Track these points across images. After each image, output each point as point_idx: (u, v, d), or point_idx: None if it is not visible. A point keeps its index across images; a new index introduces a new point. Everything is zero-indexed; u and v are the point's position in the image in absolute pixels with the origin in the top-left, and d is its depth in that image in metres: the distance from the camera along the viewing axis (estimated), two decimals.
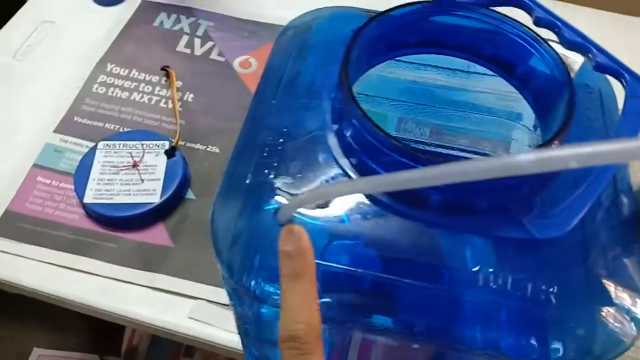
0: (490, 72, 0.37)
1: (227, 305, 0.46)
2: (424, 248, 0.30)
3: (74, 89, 0.59)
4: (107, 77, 0.60)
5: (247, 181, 0.32)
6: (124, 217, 0.49)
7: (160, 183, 0.50)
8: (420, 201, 0.29)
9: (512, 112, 0.42)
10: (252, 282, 0.30)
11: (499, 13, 0.34)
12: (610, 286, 0.29)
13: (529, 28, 0.33)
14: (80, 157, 0.52)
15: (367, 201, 0.30)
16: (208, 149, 0.55)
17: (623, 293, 0.29)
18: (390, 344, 0.36)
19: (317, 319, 0.25)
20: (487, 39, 0.34)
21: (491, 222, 0.29)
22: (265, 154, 0.32)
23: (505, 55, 0.34)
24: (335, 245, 0.30)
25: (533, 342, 0.28)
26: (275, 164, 0.32)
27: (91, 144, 0.54)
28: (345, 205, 0.30)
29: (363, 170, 0.30)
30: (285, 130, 0.33)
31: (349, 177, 0.30)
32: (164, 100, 0.58)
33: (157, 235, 0.49)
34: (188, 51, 0.63)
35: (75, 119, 0.57)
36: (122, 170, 0.51)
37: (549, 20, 0.32)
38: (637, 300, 0.28)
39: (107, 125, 0.56)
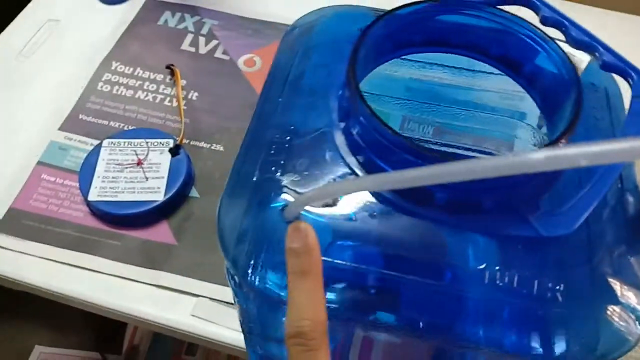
0: (496, 71, 0.37)
1: (229, 303, 0.46)
2: (429, 246, 0.30)
3: (78, 87, 0.59)
4: (111, 76, 0.60)
5: (254, 179, 0.32)
6: (128, 215, 0.49)
7: (165, 181, 0.50)
8: (427, 199, 0.29)
9: (516, 111, 0.42)
10: (258, 279, 0.30)
11: (506, 12, 0.34)
12: (616, 285, 0.29)
13: (537, 27, 0.33)
14: (85, 154, 0.52)
15: (373, 199, 0.30)
16: (212, 148, 0.55)
17: (628, 292, 0.29)
18: (391, 342, 0.36)
19: (323, 315, 0.25)
20: (494, 38, 0.34)
21: (498, 220, 0.29)
22: (272, 152, 0.32)
23: (513, 54, 0.34)
24: (340, 242, 0.30)
25: (538, 340, 0.28)
26: (282, 162, 0.32)
27: (96, 142, 0.54)
28: (351, 202, 0.30)
29: (370, 168, 0.30)
30: (292, 128, 0.33)
31: (356, 175, 0.30)
32: (168, 98, 0.59)
33: (161, 233, 0.49)
34: (192, 50, 0.63)
35: (80, 116, 0.57)
36: (126, 168, 0.51)
37: (555, 19, 0.32)
38: None
39: (112, 123, 0.56)
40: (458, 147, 0.44)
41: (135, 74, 0.61)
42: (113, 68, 0.61)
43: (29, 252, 0.48)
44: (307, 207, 0.29)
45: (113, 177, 0.50)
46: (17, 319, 0.89)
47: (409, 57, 0.38)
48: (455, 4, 0.34)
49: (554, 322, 0.28)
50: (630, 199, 0.32)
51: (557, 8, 0.33)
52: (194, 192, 0.52)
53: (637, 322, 0.28)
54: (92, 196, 0.49)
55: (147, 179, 0.50)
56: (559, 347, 0.28)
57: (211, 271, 0.47)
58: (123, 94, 0.59)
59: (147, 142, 0.53)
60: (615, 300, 0.28)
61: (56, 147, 0.55)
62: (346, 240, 0.30)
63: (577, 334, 0.28)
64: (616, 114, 0.35)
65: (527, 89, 0.35)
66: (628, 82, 0.31)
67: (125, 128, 0.56)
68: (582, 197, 0.29)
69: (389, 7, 0.34)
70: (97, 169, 0.51)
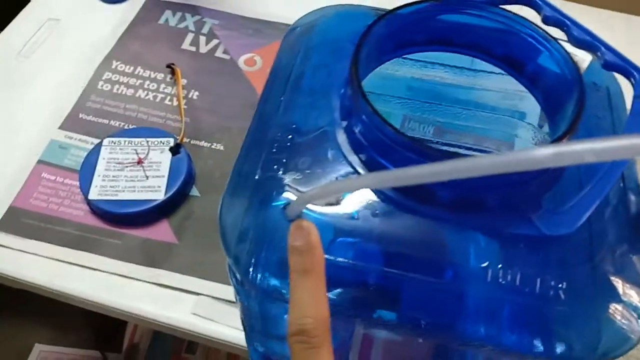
0: (497, 70, 0.37)
1: (230, 301, 0.46)
2: (432, 244, 0.30)
3: (79, 86, 0.59)
4: (112, 75, 0.60)
5: (256, 177, 0.32)
6: (129, 214, 0.49)
7: (165, 180, 0.50)
8: (430, 197, 0.29)
9: (516, 111, 0.42)
10: (259, 277, 0.30)
11: (508, 11, 0.34)
12: (618, 283, 0.29)
13: (539, 26, 0.33)
14: (85, 153, 0.52)
15: (375, 197, 0.30)
16: (213, 147, 0.55)
17: (631, 290, 0.29)
18: (391, 340, 0.36)
19: (325, 313, 0.25)
20: (496, 38, 0.34)
21: (500, 219, 0.29)
22: (274, 150, 0.32)
23: (515, 54, 0.34)
24: (342, 240, 0.30)
25: (540, 338, 0.28)
26: (284, 160, 0.32)
27: (96, 141, 0.54)
28: (352, 200, 0.30)
29: (372, 166, 0.30)
30: (294, 126, 0.33)
31: (358, 173, 0.30)
32: (168, 97, 0.59)
33: (162, 231, 0.49)
34: (193, 49, 0.63)
35: (81, 115, 0.57)
36: (127, 167, 0.51)
37: (557, 19, 0.32)
38: None
39: (112, 122, 0.56)
40: (459, 147, 0.44)
41: (136, 73, 0.60)
42: (113, 67, 0.61)
43: (29, 251, 0.48)
44: (309, 206, 0.30)
45: (113, 176, 0.50)
46: (17, 318, 0.89)
47: (410, 56, 0.38)
48: (457, 4, 0.34)
49: (556, 321, 0.28)
50: (632, 197, 0.32)
51: (558, 7, 0.33)
52: (194, 191, 0.52)
53: (639, 321, 0.28)
54: (93, 195, 0.49)
55: (147, 177, 0.50)
56: (561, 346, 0.28)
57: (212, 270, 0.47)
58: (123, 93, 0.59)
59: (147, 141, 0.53)
60: (617, 299, 0.28)
61: (56, 145, 0.55)
62: (348, 238, 0.30)
63: (579, 332, 0.28)
64: (617, 113, 0.35)
65: (529, 89, 0.35)
66: (630, 81, 0.31)
67: (126, 127, 0.56)
68: (584, 196, 0.29)
69: (390, 7, 0.34)
70: (97, 167, 0.51)
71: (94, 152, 0.52)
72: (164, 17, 0.66)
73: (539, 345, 0.28)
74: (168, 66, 0.61)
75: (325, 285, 0.25)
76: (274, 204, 0.31)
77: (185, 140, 0.55)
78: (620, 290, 0.28)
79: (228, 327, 0.45)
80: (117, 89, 0.59)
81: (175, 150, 0.52)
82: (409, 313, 0.30)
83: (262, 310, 0.34)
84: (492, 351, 0.29)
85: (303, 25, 0.41)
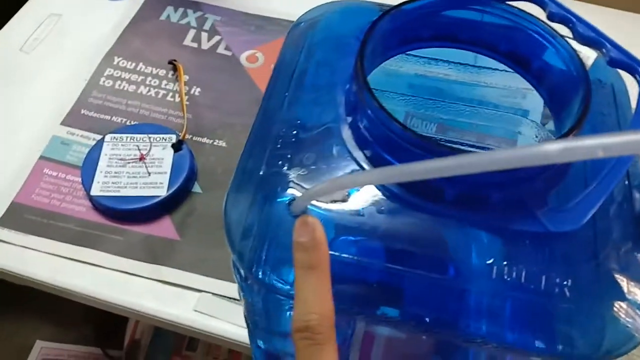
0: (501, 67, 0.37)
1: (232, 298, 0.46)
2: (437, 241, 0.30)
3: (80, 82, 0.59)
4: (114, 71, 0.60)
5: (261, 173, 0.32)
6: (131, 210, 0.49)
7: (167, 176, 0.50)
8: (435, 194, 0.29)
9: (519, 108, 0.42)
10: (263, 273, 0.30)
11: (514, 7, 0.34)
12: (623, 281, 0.29)
13: (545, 23, 0.33)
14: (87, 149, 0.52)
15: (380, 194, 0.30)
16: (215, 143, 0.55)
17: (635, 288, 0.29)
18: (392, 338, 0.36)
19: (330, 310, 0.25)
20: (502, 34, 0.34)
21: (505, 216, 0.29)
22: (278, 146, 0.32)
23: (521, 50, 0.34)
24: (347, 236, 0.30)
25: (544, 335, 0.28)
26: (289, 156, 0.32)
27: (98, 137, 0.54)
28: (357, 197, 0.30)
29: (377, 162, 0.30)
30: (298, 122, 0.33)
31: (363, 169, 0.30)
32: (171, 94, 0.58)
33: (164, 228, 0.49)
34: (195, 45, 0.63)
35: (82, 111, 0.57)
36: (129, 163, 0.51)
37: (562, 15, 0.32)
38: None
39: (114, 118, 0.56)
40: (461, 144, 0.44)
41: (138, 69, 0.60)
42: (115, 63, 0.61)
43: (31, 247, 0.48)
44: (314, 202, 0.29)
45: (115, 172, 0.50)
46: (19, 315, 0.89)
47: (413, 52, 0.38)
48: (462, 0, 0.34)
49: (561, 318, 0.28)
50: (637, 195, 0.32)
51: (563, 4, 0.33)
52: (196, 188, 0.52)
53: None
54: (95, 191, 0.49)
55: (149, 174, 0.50)
56: (565, 343, 0.28)
57: (214, 266, 0.47)
58: (125, 89, 0.59)
59: (149, 138, 0.52)
60: (621, 297, 0.28)
61: (58, 141, 0.54)
62: (353, 235, 0.30)
63: (583, 330, 0.28)
64: (622, 110, 0.35)
65: (534, 86, 0.35)
66: (635, 78, 0.30)
67: (128, 123, 0.56)
68: (590, 194, 0.29)
69: (393, 3, 0.34)
70: (99, 163, 0.51)
71: (96, 148, 0.52)
72: (165, 13, 0.66)
73: (542, 342, 0.28)
74: (170, 62, 0.60)
75: (330, 281, 0.25)
76: (278, 199, 0.31)
77: (188, 136, 0.54)
78: (625, 288, 0.28)
79: (230, 324, 0.45)
80: (119, 85, 0.59)
81: (177, 146, 0.52)
82: (413, 310, 0.30)
83: (265, 307, 0.34)
84: (496, 348, 0.29)
85: (307, 21, 0.41)
